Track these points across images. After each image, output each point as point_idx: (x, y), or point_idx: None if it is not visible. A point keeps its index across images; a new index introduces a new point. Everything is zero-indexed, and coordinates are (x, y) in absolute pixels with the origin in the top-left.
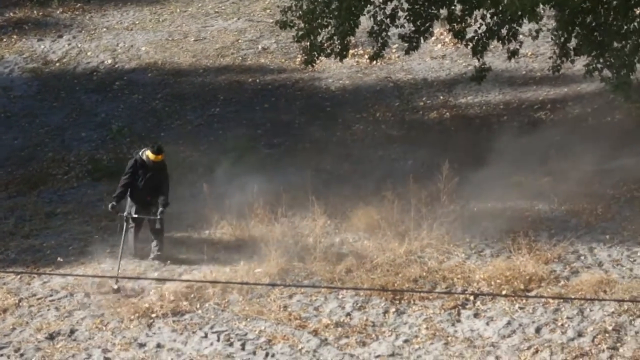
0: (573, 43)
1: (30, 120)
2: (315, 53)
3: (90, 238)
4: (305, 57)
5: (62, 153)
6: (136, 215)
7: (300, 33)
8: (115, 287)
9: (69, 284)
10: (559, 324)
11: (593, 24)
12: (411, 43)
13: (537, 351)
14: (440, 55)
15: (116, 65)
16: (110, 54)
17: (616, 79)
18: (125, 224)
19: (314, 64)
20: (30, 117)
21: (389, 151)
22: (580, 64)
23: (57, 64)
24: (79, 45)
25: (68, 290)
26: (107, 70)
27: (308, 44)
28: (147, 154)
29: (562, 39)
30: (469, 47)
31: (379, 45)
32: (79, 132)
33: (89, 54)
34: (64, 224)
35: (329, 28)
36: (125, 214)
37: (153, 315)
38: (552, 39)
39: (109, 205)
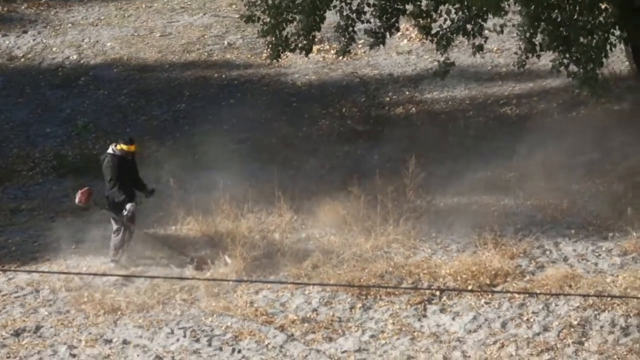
0: (539, 38)
1: None
2: (281, 48)
3: (56, 234)
4: (271, 52)
5: (27, 149)
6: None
7: (266, 28)
8: (195, 263)
9: (34, 280)
10: (525, 318)
11: (559, 19)
12: (377, 38)
13: (502, 346)
14: (406, 50)
15: (81, 61)
16: (75, 49)
17: (583, 74)
18: (129, 223)
19: (279, 59)
20: None
21: (355, 146)
22: (545, 59)
23: (22, 60)
24: (44, 41)
25: (33, 287)
26: (72, 65)
27: (273, 38)
28: (122, 147)
29: (528, 35)
30: (434, 42)
31: (346, 40)
32: (44, 127)
33: (54, 49)
34: (29, 220)
35: (295, 23)
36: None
37: (119, 311)
38: (517, 34)
39: (129, 209)
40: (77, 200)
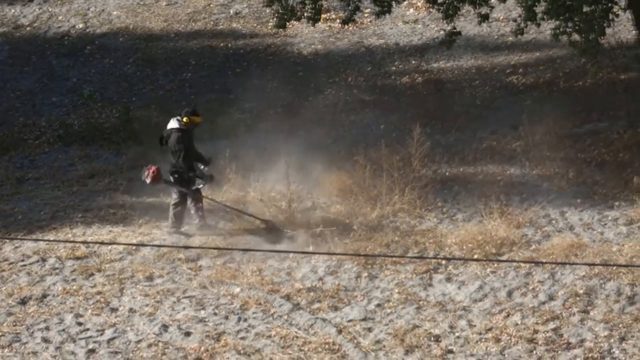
0: (542, 7)
1: (0, 85)
2: (287, 17)
3: (62, 203)
4: (277, 20)
5: (33, 118)
6: (202, 184)
7: None
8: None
9: (40, 249)
10: (531, 287)
11: None
12: (383, 7)
13: (508, 315)
14: (412, 19)
15: (87, 30)
16: (81, 18)
17: (584, 43)
18: (195, 196)
19: (285, 28)
20: (0, 81)
21: (361, 116)
22: (549, 27)
23: (28, 29)
24: (50, 10)
25: (40, 255)
26: (78, 34)
27: (279, 7)
28: (191, 119)
29: (529, 3)
30: (441, 11)
31: (351, 9)
32: (50, 96)
33: (60, 18)
34: (35, 189)
35: None
36: (195, 187)
37: (125, 280)
38: (519, 2)
39: (199, 183)
40: (148, 181)
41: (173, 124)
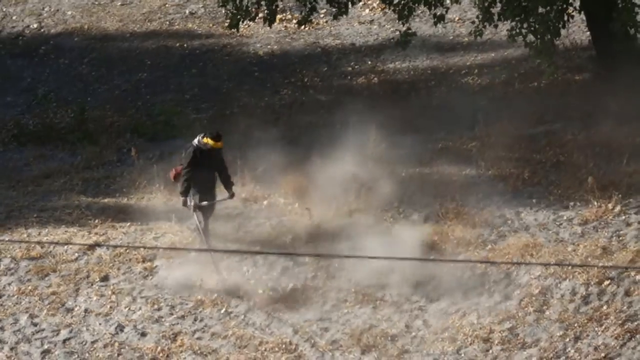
0: (498, 8)
1: None
2: (240, 17)
3: (17, 203)
4: (230, 20)
5: None
6: (205, 203)
7: None
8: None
9: None
10: (486, 287)
11: None
12: (340, 8)
13: (464, 315)
14: (368, 20)
15: (42, 30)
16: (35, 18)
17: (540, 44)
18: (195, 214)
19: (238, 29)
20: None
21: (317, 116)
22: (505, 28)
23: None
24: (4, 9)
25: None
26: (32, 34)
27: (232, 7)
28: (207, 141)
29: (486, 4)
30: (396, 12)
31: (307, 10)
32: (4, 96)
33: (14, 18)
34: None
35: None
36: (191, 204)
37: (81, 280)
38: (475, 3)
39: (182, 202)
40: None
41: (195, 139)
